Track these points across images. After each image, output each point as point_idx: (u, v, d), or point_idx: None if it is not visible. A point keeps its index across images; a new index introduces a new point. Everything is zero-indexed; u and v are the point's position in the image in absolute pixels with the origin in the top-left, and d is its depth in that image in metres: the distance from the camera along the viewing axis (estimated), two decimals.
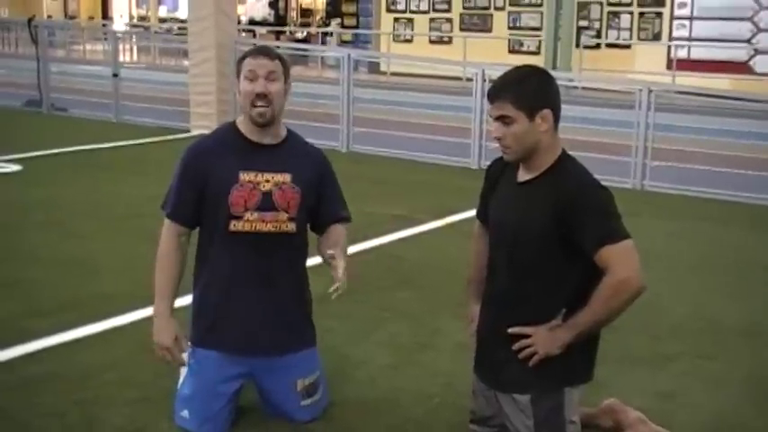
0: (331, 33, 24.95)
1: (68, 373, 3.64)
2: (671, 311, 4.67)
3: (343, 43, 23.76)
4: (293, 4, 30.58)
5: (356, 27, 24.53)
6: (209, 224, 3.11)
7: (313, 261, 3.28)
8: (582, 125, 10.12)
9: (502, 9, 21.36)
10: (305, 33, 27.50)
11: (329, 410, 3.31)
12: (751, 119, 10.75)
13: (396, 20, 23.20)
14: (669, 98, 10.84)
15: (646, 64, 17.91)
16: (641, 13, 19.31)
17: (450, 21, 22.34)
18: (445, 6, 22.30)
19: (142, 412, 3.30)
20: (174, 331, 3.05)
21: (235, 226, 3.05)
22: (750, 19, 17.79)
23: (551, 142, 2.75)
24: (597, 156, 7.42)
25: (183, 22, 24.37)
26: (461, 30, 21.79)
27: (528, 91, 2.71)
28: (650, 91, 8.19)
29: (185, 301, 3.23)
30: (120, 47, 15.79)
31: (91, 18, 35.45)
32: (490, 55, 16.47)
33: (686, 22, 18.59)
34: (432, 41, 22.26)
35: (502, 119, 2.72)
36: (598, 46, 19.43)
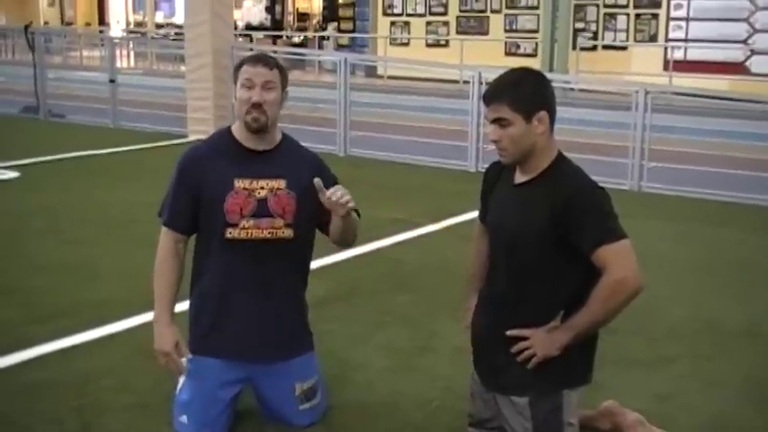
0: (328, 37, 24.99)
1: (67, 379, 3.64)
2: (668, 313, 4.67)
3: (339, 47, 23.80)
4: (290, 9, 30.62)
5: (353, 31, 24.57)
6: (205, 231, 3.11)
7: (314, 265, 3.28)
8: (579, 127, 10.14)
9: (498, 12, 21.40)
10: (302, 38, 27.53)
11: (328, 415, 3.31)
12: (748, 119, 10.78)
13: (392, 23, 23.23)
14: (666, 99, 10.85)
15: (642, 65, 17.93)
16: (637, 15, 19.34)
17: (446, 24, 22.38)
18: (441, 9, 22.33)
19: (140, 418, 3.30)
20: (173, 337, 3.04)
21: (231, 233, 3.04)
22: (746, 20, 17.82)
23: (547, 144, 2.75)
24: (594, 157, 7.43)
25: (179, 27, 24.39)
26: (458, 33, 21.82)
27: (524, 93, 2.71)
28: (647, 92, 8.19)
29: (184, 306, 3.23)
30: (117, 53, 15.77)
31: (88, 24, 35.47)
32: (487, 57, 16.48)
33: (682, 24, 18.62)
34: (428, 45, 22.29)
35: (498, 121, 2.72)
36: (594, 48, 19.46)
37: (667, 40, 18.74)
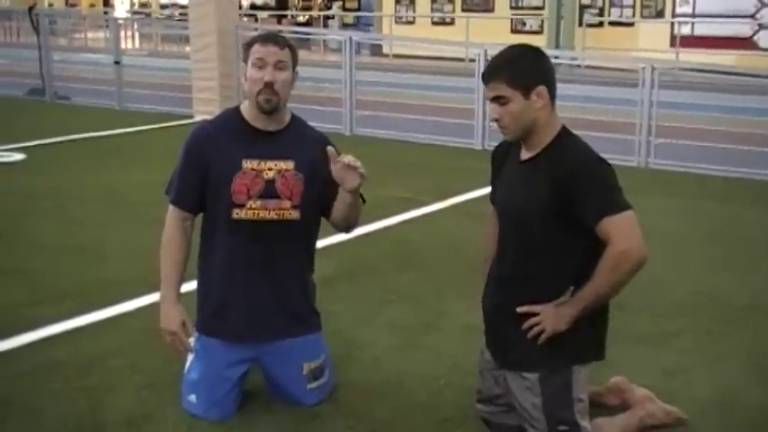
0: (333, 16, 24.89)
1: (75, 361, 3.65)
2: (674, 289, 4.67)
3: (344, 26, 23.72)
4: None
5: (358, 10, 24.47)
6: (212, 211, 3.10)
7: (320, 244, 3.28)
8: (585, 104, 10.11)
9: None
10: (307, 17, 27.42)
11: (334, 393, 3.32)
12: (755, 94, 10.72)
13: (397, 1, 23.13)
14: (673, 75, 10.80)
15: (649, 41, 17.82)
16: None
17: (452, 1, 22.26)
18: None
19: (149, 398, 3.31)
20: (180, 316, 3.04)
21: (237, 214, 3.03)
22: None
23: (549, 119, 2.74)
24: (601, 134, 7.40)
25: (184, 7, 24.33)
26: (463, 10, 21.72)
27: (521, 69, 2.70)
28: (654, 68, 8.16)
29: (191, 286, 3.23)
30: (122, 34, 15.76)
31: (92, 5, 35.41)
32: (493, 35, 16.38)
33: None
34: (434, 23, 22.20)
35: (497, 99, 2.71)
36: (601, 24, 19.36)
37: (674, 15, 18.62)
